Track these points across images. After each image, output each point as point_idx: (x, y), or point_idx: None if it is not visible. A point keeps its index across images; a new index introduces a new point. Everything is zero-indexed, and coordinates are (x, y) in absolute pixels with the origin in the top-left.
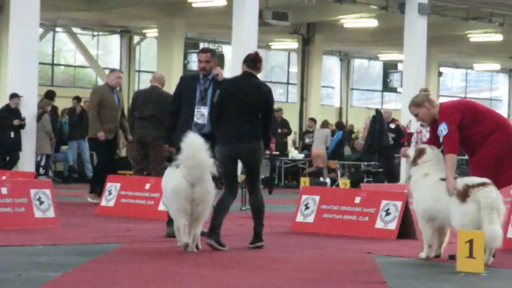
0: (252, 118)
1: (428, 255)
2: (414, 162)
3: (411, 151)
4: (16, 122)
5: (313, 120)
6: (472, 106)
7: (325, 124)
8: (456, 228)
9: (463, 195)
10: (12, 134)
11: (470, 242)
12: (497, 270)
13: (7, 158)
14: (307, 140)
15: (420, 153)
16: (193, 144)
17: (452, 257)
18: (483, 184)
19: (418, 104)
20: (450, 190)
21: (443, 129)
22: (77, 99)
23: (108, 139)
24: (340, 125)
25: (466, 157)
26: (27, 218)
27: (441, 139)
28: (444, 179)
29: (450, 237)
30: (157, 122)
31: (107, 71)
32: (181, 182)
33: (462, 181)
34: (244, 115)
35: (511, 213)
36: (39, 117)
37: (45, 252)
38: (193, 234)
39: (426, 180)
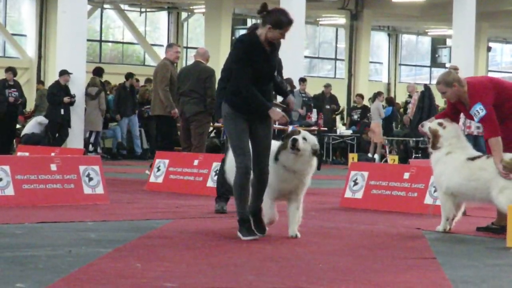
0: None
1: (445, 228)
2: (434, 147)
3: (426, 127)
4: (66, 99)
5: (360, 96)
6: (500, 84)
7: (374, 97)
8: (498, 204)
9: (510, 171)
10: (62, 111)
11: None
12: None
13: (57, 134)
14: (355, 116)
15: (435, 137)
16: None
17: (480, 229)
18: None
19: (448, 83)
20: (504, 172)
21: (479, 110)
22: (129, 75)
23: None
24: (390, 101)
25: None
26: (76, 195)
27: (476, 119)
28: (471, 159)
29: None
30: (197, 97)
31: (155, 48)
32: None
33: (506, 157)
34: None
35: None
36: (96, 95)
37: (95, 228)
38: None
39: (451, 158)
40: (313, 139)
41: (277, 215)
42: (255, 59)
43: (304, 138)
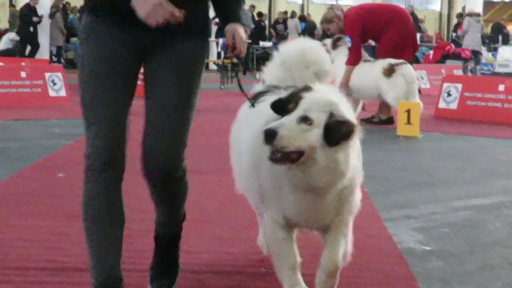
0: None
1: None
2: (334, 45)
3: (327, 40)
4: (35, 19)
5: (284, 13)
6: (368, 9)
7: (293, 15)
8: (389, 100)
9: (390, 71)
10: (31, 29)
11: (408, 111)
12: (429, 134)
13: (28, 46)
14: (278, 29)
15: (338, 39)
16: None
17: (363, 120)
18: (404, 63)
19: (328, 20)
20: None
21: (347, 41)
22: None
23: None
24: (303, 18)
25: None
26: (43, 97)
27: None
28: (366, 61)
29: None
30: None
31: None
32: None
33: (385, 62)
34: None
35: (441, 88)
36: (52, 15)
37: (59, 124)
38: None
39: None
40: (335, 108)
41: (296, 256)
42: None
43: (305, 119)
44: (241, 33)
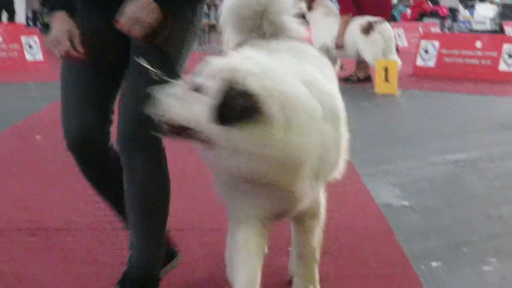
0: None
1: None
2: (309, 6)
3: (302, 4)
4: None
5: None
6: None
7: None
8: (366, 57)
9: (368, 29)
10: None
11: (386, 69)
12: (407, 91)
13: (3, 13)
14: None
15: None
16: None
17: (341, 79)
18: (381, 21)
19: None
20: (338, 44)
21: None
22: None
23: None
24: None
25: None
26: (19, 61)
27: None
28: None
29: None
30: None
31: None
32: None
33: (363, 20)
34: None
35: (418, 46)
36: None
37: (36, 87)
38: None
39: (327, 18)
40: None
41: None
42: None
43: (200, 87)
44: (136, 7)
